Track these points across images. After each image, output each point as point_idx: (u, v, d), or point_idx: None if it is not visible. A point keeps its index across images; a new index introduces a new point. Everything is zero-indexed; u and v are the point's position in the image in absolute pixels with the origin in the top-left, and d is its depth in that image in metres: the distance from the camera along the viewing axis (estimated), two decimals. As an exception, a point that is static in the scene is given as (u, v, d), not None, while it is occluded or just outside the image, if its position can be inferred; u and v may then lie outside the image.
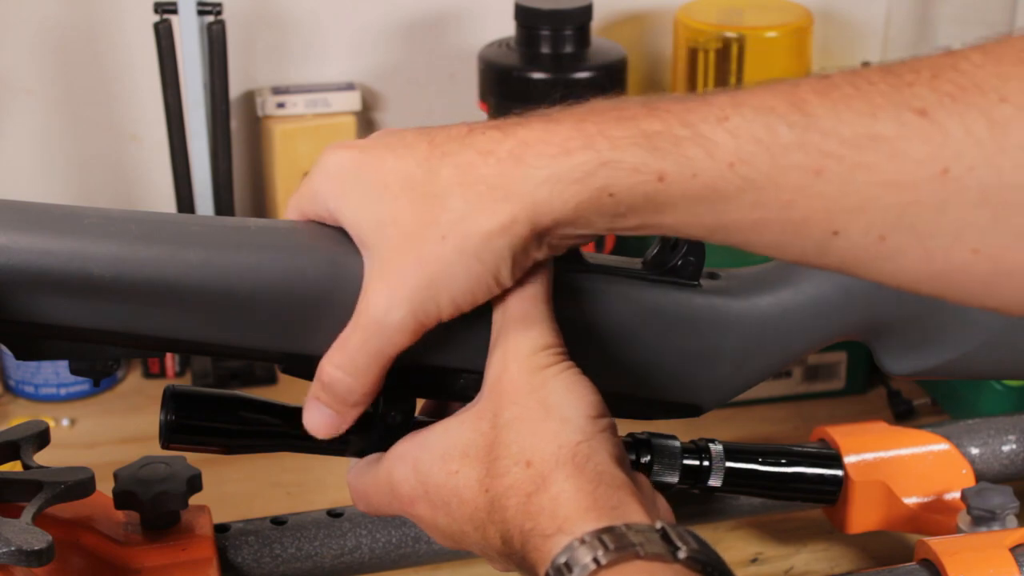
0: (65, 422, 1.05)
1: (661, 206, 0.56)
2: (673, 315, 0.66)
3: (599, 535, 0.53)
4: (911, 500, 0.82)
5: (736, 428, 1.04)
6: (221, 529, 0.76)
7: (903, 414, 1.05)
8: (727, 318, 0.67)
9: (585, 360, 0.61)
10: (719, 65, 1.11)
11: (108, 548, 0.71)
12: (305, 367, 0.62)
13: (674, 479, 0.73)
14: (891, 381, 1.07)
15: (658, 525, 0.54)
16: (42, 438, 0.72)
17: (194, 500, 0.73)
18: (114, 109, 1.14)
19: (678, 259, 0.66)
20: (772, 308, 0.68)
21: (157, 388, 1.10)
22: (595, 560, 0.52)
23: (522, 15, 1.07)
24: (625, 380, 0.66)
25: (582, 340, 0.64)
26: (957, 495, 0.81)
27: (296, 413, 0.65)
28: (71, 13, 1.10)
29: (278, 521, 0.77)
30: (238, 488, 0.97)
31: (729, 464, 0.75)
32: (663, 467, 0.72)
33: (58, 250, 0.58)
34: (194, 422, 0.64)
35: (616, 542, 0.52)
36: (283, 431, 0.65)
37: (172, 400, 0.64)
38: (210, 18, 1.02)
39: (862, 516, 0.83)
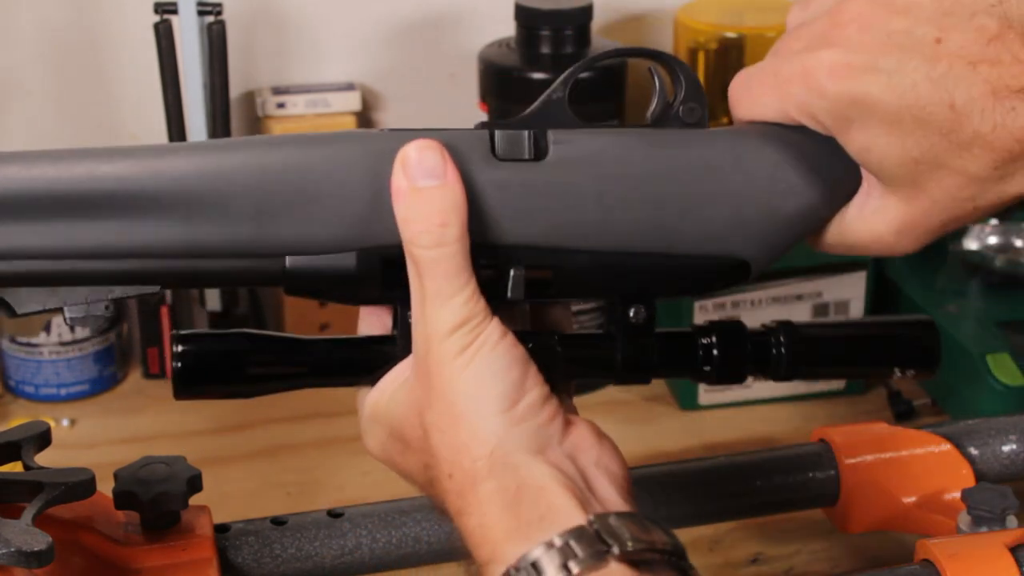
0: (65, 422, 1.05)
1: None
2: (687, 157, 0.63)
3: (531, 561, 0.53)
4: (911, 500, 0.82)
5: (736, 428, 1.04)
6: (221, 529, 0.76)
7: (903, 414, 1.05)
8: (746, 153, 0.63)
9: (610, 222, 0.59)
10: (719, 65, 1.11)
11: (108, 548, 0.71)
12: (302, 281, 0.60)
13: (744, 369, 0.67)
14: (891, 381, 1.07)
15: (591, 520, 0.54)
16: (43, 439, 0.72)
17: (194, 500, 0.73)
18: (114, 109, 1.14)
19: (679, 106, 0.64)
20: (791, 138, 0.64)
21: (157, 388, 1.10)
22: None
23: (522, 15, 1.07)
24: (655, 237, 0.63)
25: (602, 201, 0.61)
26: (957, 495, 0.81)
27: (310, 345, 0.63)
28: (71, 13, 1.10)
29: (278, 521, 0.77)
30: (238, 488, 0.97)
31: (805, 341, 0.68)
32: (731, 354, 0.66)
33: (24, 175, 0.58)
34: (205, 368, 0.62)
35: (550, 563, 0.52)
36: (299, 368, 0.63)
37: (180, 343, 0.62)
38: (210, 18, 1.02)
39: (862, 516, 0.83)
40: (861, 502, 0.82)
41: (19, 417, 1.05)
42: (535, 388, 0.58)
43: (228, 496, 0.93)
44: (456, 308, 0.58)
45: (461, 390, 0.57)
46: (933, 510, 0.82)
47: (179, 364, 0.61)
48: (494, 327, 0.58)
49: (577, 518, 0.54)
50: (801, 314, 1.04)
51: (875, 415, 1.04)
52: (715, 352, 0.66)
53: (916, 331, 0.70)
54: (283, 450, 1.02)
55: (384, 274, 0.60)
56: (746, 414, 1.05)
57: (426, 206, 0.58)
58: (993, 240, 1.08)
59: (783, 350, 0.67)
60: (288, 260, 0.60)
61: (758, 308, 1.04)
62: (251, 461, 1.01)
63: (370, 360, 0.63)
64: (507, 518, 0.55)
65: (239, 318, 1.08)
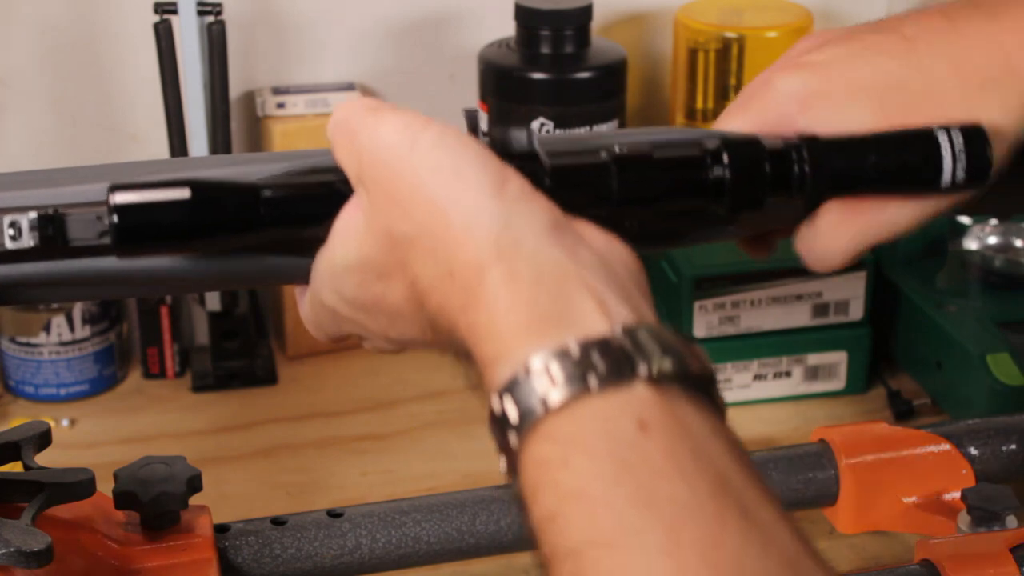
0: (65, 422, 1.05)
1: None
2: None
3: (545, 366, 0.46)
4: (911, 500, 0.82)
5: (736, 428, 1.04)
6: (221, 529, 0.76)
7: (903, 414, 1.05)
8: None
9: None
10: (719, 65, 1.11)
11: (108, 548, 0.71)
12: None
13: (763, 191, 0.60)
14: (891, 381, 1.07)
15: (617, 330, 0.47)
16: (43, 439, 0.72)
17: (194, 500, 0.73)
18: (114, 109, 1.14)
19: None
20: None
21: (157, 388, 1.10)
22: (543, 403, 0.46)
23: (522, 15, 1.07)
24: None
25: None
26: (957, 495, 0.81)
27: (258, 192, 0.56)
28: (71, 13, 1.10)
29: (278, 521, 0.77)
30: (238, 488, 0.97)
31: (834, 152, 0.62)
32: (746, 174, 0.59)
33: None
34: (146, 222, 0.55)
35: (565, 371, 0.46)
36: (251, 216, 0.56)
37: (116, 192, 0.54)
38: (210, 18, 1.02)
39: (862, 516, 0.83)
40: (861, 502, 0.82)
41: (19, 417, 1.05)
42: (517, 176, 0.52)
43: (228, 496, 0.93)
44: (394, 115, 0.52)
45: (434, 182, 0.50)
46: (933, 510, 0.82)
47: (116, 218, 0.54)
48: (449, 126, 0.52)
49: (599, 324, 0.47)
50: (801, 315, 1.04)
51: (875, 415, 1.04)
52: (728, 173, 0.59)
53: (959, 132, 0.62)
54: (283, 450, 1.02)
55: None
56: (746, 414, 1.05)
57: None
58: (993, 240, 1.08)
59: (806, 167, 0.60)
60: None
61: (758, 308, 1.04)
62: (251, 461, 1.01)
63: (331, 202, 0.56)
64: (520, 310, 0.48)
65: (239, 318, 1.08)
